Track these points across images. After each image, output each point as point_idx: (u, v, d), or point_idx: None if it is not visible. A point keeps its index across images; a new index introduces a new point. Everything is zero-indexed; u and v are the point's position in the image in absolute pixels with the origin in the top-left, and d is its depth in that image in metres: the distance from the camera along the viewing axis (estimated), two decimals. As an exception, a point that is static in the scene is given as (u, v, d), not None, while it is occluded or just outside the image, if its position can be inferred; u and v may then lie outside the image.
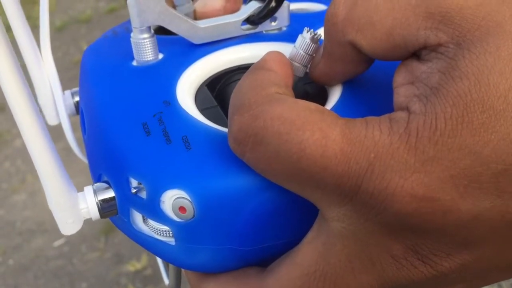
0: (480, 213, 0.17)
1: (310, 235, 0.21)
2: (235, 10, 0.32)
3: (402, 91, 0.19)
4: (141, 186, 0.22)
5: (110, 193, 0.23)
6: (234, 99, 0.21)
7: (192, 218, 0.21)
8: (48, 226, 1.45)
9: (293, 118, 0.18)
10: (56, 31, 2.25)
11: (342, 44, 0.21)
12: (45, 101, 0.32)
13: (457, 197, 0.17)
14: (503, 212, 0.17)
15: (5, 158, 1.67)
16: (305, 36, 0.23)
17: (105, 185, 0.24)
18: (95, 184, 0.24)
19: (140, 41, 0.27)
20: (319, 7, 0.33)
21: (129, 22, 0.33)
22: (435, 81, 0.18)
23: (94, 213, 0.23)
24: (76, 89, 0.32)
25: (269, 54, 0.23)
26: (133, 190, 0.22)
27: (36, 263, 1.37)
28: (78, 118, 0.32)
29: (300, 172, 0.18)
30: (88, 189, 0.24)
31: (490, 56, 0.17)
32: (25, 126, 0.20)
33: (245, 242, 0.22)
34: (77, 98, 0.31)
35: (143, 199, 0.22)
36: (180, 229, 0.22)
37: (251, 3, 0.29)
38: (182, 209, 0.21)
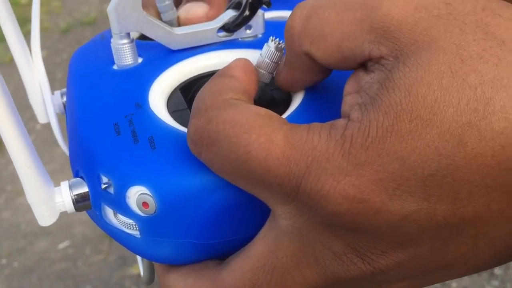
0: (409, 215, 0.19)
1: (262, 231, 0.23)
2: (217, 17, 0.35)
3: (348, 99, 0.22)
4: (110, 182, 0.25)
5: (85, 188, 0.26)
6: (195, 103, 0.23)
7: (154, 213, 0.24)
8: (53, 228, 1.48)
9: (243, 122, 0.21)
10: (61, 34, 2.31)
11: (298, 54, 0.23)
12: (36, 100, 0.35)
13: (386, 199, 0.19)
14: (431, 214, 0.19)
15: (9, 160, 1.72)
16: (270, 45, 0.26)
17: (80, 180, 0.27)
18: (71, 180, 0.27)
19: (119, 46, 0.29)
20: None
21: None
22: (373, 91, 0.20)
23: (69, 207, 0.26)
24: (65, 89, 0.35)
25: (235, 61, 0.25)
26: (103, 186, 0.25)
27: (41, 265, 1.41)
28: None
29: (248, 172, 0.21)
30: (64, 184, 0.26)
31: (421, 69, 0.19)
32: (2, 124, 0.23)
33: (204, 236, 0.24)
34: (65, 98, 0.34)
35: (111, 194, 0.25)
36: (144, 223, 0.24)
37: (227, 11, 0.31)
38: (145, 204, 0.24)
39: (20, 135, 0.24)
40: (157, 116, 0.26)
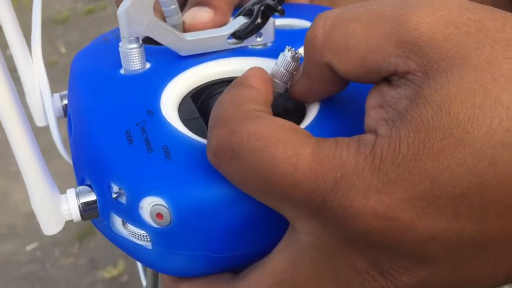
0: (437, 234, 0.19)
1: (280, 245, 0.23)
2: (223, 22, 0.35)
3: (372, 113, 0.22)
4: (122, 191, 0.24)
5: (92, 197, 0.26)
6: (215, 113, 0.23)
7: (168, 224, 0.24)
8: (20, 230, 1.46)
9: (268, 136, 0.21)
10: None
11: (319, 65, 0.24)
12: (34, 102, 0.34)
13: (416, 217, 0.19)
14: (459, 234, 0.19)
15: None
16: (286, 55, 0.26)
17: (87, 188, 0.26)
18: (78, 187, 0.26)
19: (128, 50, 0.29)
20: (305, 24, 0.36)
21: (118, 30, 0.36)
22: (402, 107, 0.20)
23: (76, 215, 0.26)
24: (65, 92, 0.34)
25: (251, 70, 0.25)
26: (114, 195, 0.25)
27: (7, 268, 1.38)
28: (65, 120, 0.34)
29: (272, 187, 0.21)
30: (71, 192, 0.26)
31: (453, 87, 0.19)
32: (11, 128, 0.22)
33: (219, 249, 0.24)
34: (65, 101, 0.34)
35: (122, 204, 0.24)
36: (156, 235, 0.24)
37: (238, 18, 0.31)
38: (159, 215, 0.24)
39: (29, 141, 0.23)
40: (170, 124, 0.26)
